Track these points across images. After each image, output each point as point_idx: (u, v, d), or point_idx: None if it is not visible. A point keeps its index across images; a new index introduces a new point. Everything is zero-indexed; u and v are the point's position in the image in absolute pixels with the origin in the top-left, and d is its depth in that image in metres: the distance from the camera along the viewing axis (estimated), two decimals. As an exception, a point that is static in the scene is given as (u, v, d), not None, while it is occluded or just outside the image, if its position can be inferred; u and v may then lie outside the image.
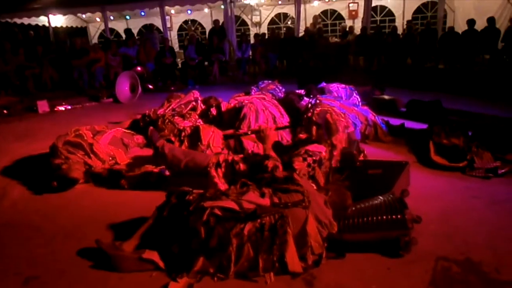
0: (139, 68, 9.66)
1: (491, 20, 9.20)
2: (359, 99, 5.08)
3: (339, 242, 2.11)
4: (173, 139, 3.79)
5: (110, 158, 3.73)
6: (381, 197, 2.31)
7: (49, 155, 3.47)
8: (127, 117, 5.62)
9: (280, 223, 1.93)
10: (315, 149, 2.93)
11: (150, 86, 9.33)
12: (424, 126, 4.44)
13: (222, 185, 2.56)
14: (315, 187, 2.22)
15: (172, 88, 9.15)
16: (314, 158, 2.82)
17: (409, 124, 4.64)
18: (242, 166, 2.71)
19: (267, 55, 10.87)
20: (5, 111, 7.08)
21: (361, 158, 3.31)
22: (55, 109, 7.45)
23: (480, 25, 9.39)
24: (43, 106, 7.31)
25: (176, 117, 4.24)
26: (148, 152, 4.03)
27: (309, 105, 4.53)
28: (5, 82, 9.55)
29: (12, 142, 4.97)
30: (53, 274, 2.11)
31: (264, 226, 1.93)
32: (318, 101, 4.39)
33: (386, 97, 6.06)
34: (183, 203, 2.18)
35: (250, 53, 11.14)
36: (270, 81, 6.00)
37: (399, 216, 2.08)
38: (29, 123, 6.36)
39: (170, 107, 4.62)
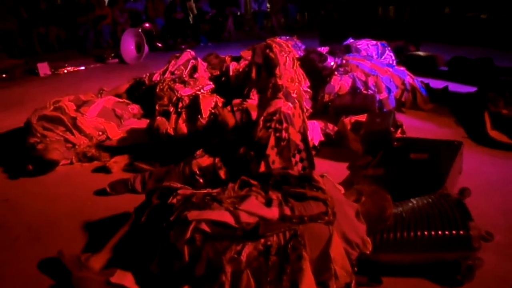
0: (147, 25, 8.95)
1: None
2: (393, 57, 4.30)
3: (374, 264, 1.55)
4: (171, 109, 3.21)
5: (100, 133, 3.21)
6: (431, 198, 1.71)
7: (24, 132, 2.97)
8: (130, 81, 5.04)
9: (293, 245, 1.37)
10: (273, 108, 2.28)
11: (159, 45, 8.65)
12: (471, 89, 3.71)
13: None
14: (343, 191, 1.63)
15: (183, 46, 8.44)
16: (276, 118, 2.20)
17: (452, 86, 3.90)
18: (226, 172, 2.14)
19: (286, 7, 9.87)
20: (4, 75, 6.62)
21: (398, 134, 2.66)
22: (58, 71, 6.96)
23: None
24: (44, 68, 6.81)
25: (177, 84, 3.63)
26: (145, 124, 3.50)
27: (334, 66, 3.82)
28: (9, 42, 9.04)
29: (1, 111, 4.52)
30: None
31: (270, 249, 1.38)
32: (344, 61, 3.68)
33: (422, 53, 5.22)
34: (164, 207, 1.64)
35: (268, 5, 10.15)
36: (287, 37, 5.21)
37: (461, 232, 1.49)
38: (27, 88, 5.89)
39: (168, 71, 3.98)
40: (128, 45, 7.26)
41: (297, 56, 3.20)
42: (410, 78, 3.58)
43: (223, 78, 4.12)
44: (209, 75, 4.23)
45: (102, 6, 9.55)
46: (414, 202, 1.70)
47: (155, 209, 1.70)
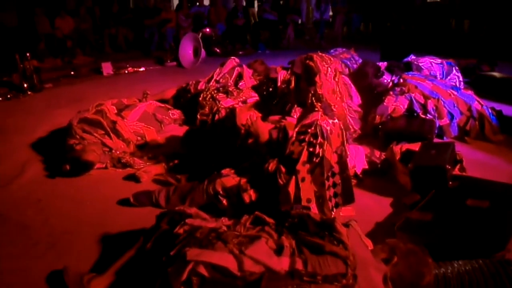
0: (207, 30, 9.08)
1: None
2: (460, 79, 3.84)
3: None
4: (210, 120, 3.12)
5: (139, 138, 3.20)
6: (485, 263, 1.38)
7: (65, 133, 3.04)
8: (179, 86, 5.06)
9: (300, 308, 1.15)
10: (308, 121, 2.05)
11: (217, 50, 8.72)
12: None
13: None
14: (371, 246, 1.37)
15: (241, 53, 8.44)
16: (311, 131, 1.96)
17: (531, 116, 3.37)
18: (251, 195, 1.95)
19: (350, 17, 9.48)
20: (72, 72, 7.06)
21: (456, 171, 2.29)
22: (120, 71, 7.27)
23: None
24: (107, 68, 7.14)
25: (220, 94, 3.53)
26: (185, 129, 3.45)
27: (390, 84, 3.48)
28: (83, 40, 9.68)
29: (61, 107, 4.74)
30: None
31: (273, 307, 1.17)
32: (402, 80, 3.33)
33: (497, 74, 4.64)
34: (170, 237, 1.50)
35: (331, 13, 9.83)
36: (344, 49, 4.93)
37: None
38: (89, 86, 6.19)
39: (213, 79, 3.91)
40: (186, 50, 7.39)
41: (340, 69, 2.98)
42: (478, 104, 3.13)
43: (270, 89, 3.95)
44: (254, 82, 4.09)
45: (168, 10, 9.92)
46: (462, 265, 1.39)
47: (162, 236, 1.56)
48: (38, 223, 2.25)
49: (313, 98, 2.64)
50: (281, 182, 1.97)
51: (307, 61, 2.70)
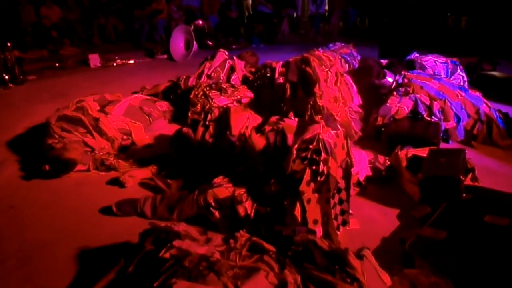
0: (200, 22, 8.81)
1: None
2: (465, 79, 3.67)
3: None
4: (202, 119, 2.90)
5: (125, 136, 2.96)
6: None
7: (43, 132, 2.80)
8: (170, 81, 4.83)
9: None
10: (309, 135, 1.86)
11: (210, 43, 8.45)
12: None
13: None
14: (389, 282, 1.18)
15: (234, 47, 8.20)
16: (313, 147, 1.78)
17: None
18: (246, 208, 1.77)
19: (347, 11, 9.28)
20: (57, 64, 6.75)
21: (468, 181, 2.12)
22: (108, 63, 6.97)
23: None
24: (94, 60, 6.85)
25: (213, 91, 3.31)
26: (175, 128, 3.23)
27: (394, 84, 3.30)
28: (71, 31, 9.33)
29: (44, 102, 4.48)
30: None
31: None
32: (406, 80, 3.15)
33: (498, 74, 4.50)
34: (155, 261, 1.30)
35: (327, 7, 9.61)
36: (343, 44, 4.74)
37: None
38: (75, 79, 5.90)
39: (204, 74, 3.68)
40: (178, 42, 7.13)
41: (342, 70, 2.76)
42: (486, 107, 2.97)
43: (268, 75, 3.69)
44: (247, 73, 3.87)
45: (160, 1, 9.59)
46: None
47: (146, 259, 1.36)
48: (9, 235, 2.03)
49: (312, 111, 2.43)
50: (285, 203, 1.78)
51: (303, 66, 2.46)
